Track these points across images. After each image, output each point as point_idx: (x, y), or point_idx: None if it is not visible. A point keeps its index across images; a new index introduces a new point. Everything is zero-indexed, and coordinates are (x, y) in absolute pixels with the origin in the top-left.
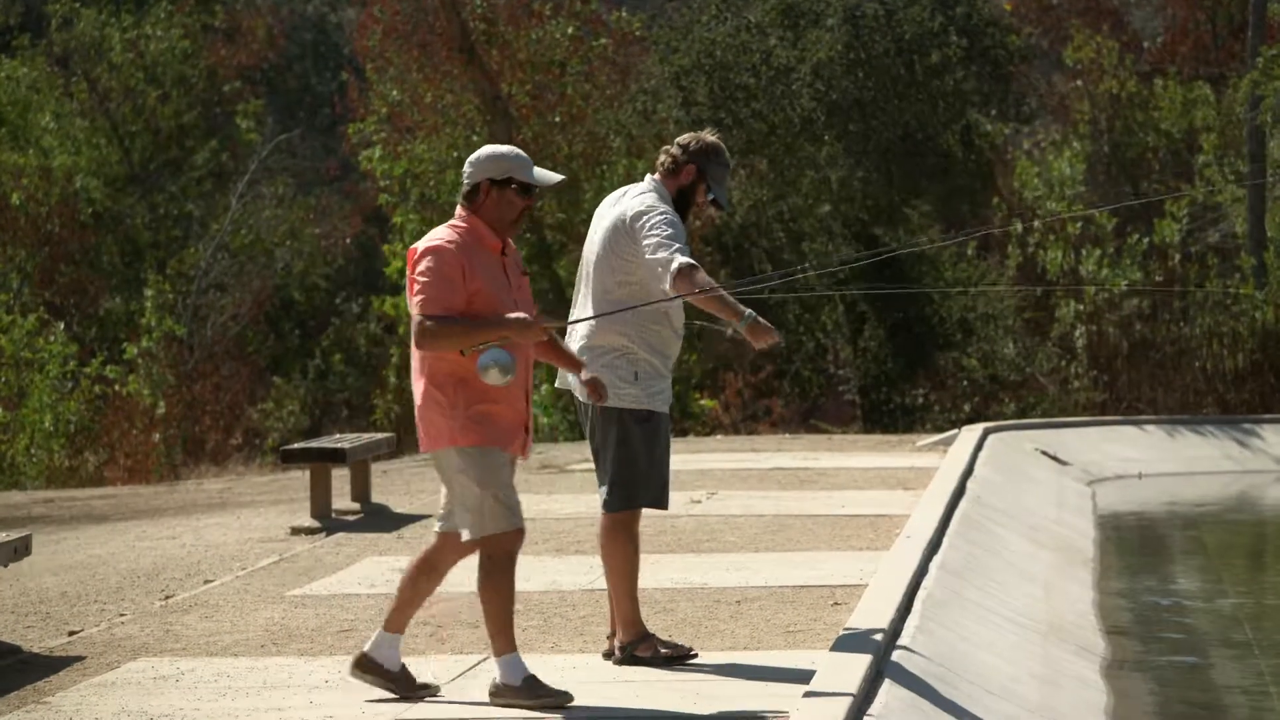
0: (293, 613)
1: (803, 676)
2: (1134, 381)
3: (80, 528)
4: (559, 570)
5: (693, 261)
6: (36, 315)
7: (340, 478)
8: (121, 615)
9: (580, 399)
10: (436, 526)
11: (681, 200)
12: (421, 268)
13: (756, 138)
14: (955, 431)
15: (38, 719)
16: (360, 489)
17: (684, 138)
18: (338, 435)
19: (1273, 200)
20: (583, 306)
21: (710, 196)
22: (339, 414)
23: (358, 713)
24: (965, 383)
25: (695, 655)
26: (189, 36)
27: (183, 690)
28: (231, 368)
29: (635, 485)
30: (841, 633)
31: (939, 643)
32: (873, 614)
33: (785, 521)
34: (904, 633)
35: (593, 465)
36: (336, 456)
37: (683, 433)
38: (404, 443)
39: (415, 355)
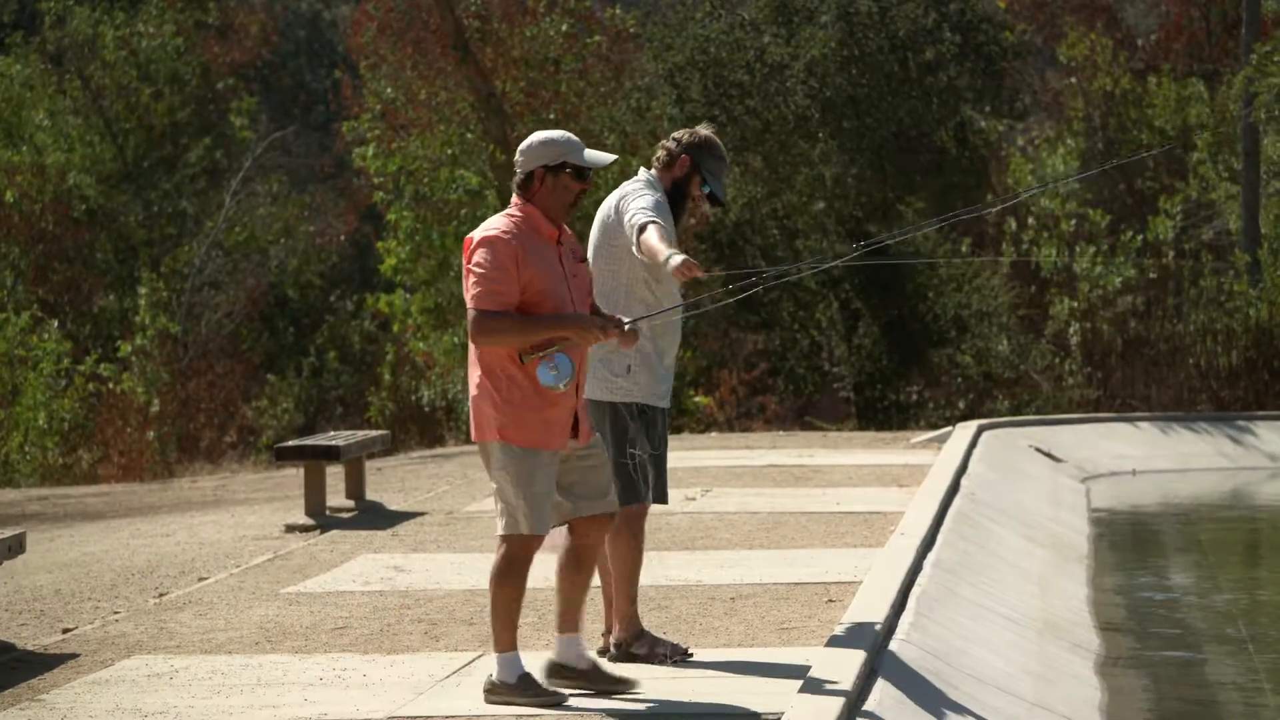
0: (287, 610)
1: (797, 673)
2: (1128, 378)
3: (74, 525)
4: (553, 567)
5: (655, 220)
6: (30, 313)
7: (335, 475)
8: (116, 613)
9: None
10: (553, 523)
11: (676, 193)
12: (476, 259)
13: (750, 135)
14: (949, 428)
15: (32, 716)
16: (355, 486)
17: (679, 132)
18: (332, 433)
19: (1267, 197)
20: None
21: (706, 190)
22: (333, 411)
23: (352, 710)
24: (960, 379)
25: (691, 655)
26: (182, 34)
27: (177, 688)
28: (226, 365)
29: (634, 480)
30: (836, 630)
31: (934, 639)
32: (867, 611)
33: (780, 519)
34: (898, 629)
35: None
36: (331, 454)
37: (677, 430)
38: (398, 440)
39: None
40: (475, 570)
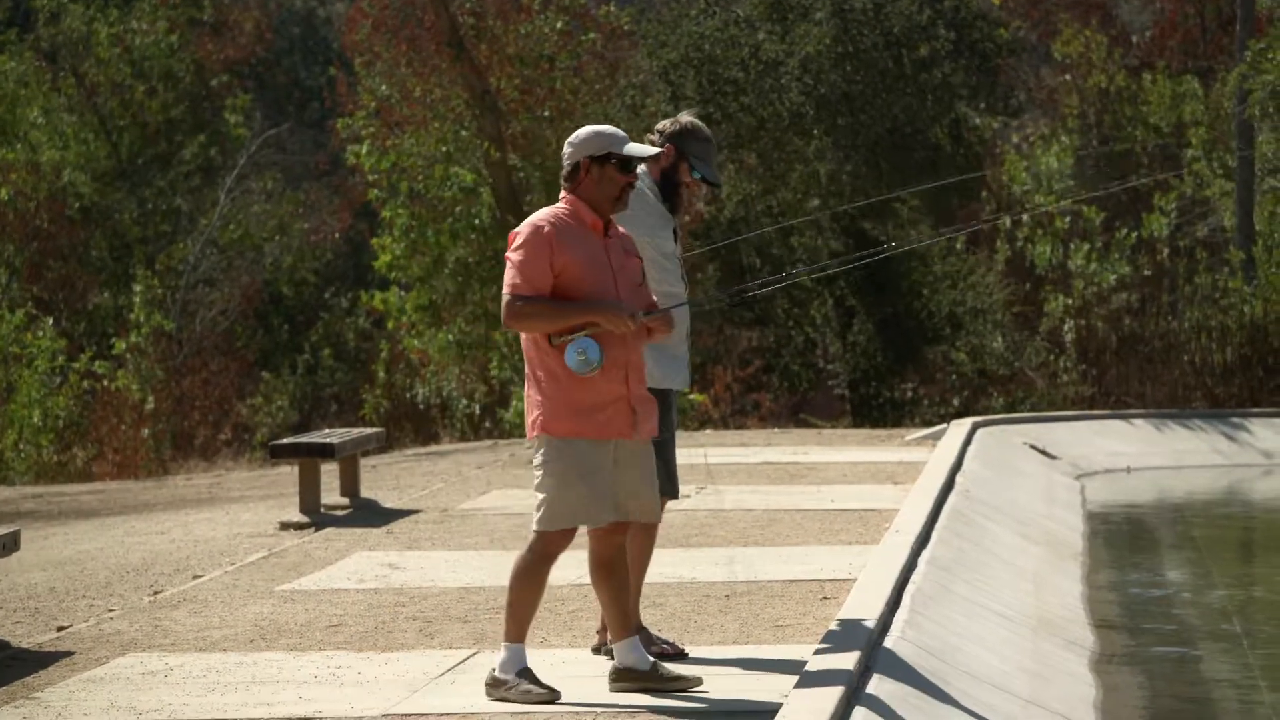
0: (281, 608)
1: (792, 670)
2: (1122, 375)
3: (69, 523)
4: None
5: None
6: (25, 310)
7: (329, 473)
8: (110, 611)
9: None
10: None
11: (667, 184)
12: (514, 246)
13: (745, 132)
14: (944, 426)
15: (26, 714)
16: (349, 484)
17: (662, 123)
18: (327, 430)
19: (1261, 194)
20: None
21: (696, 175)
22: (328, 409)
23: (347, 708)
24: (954, 377)
25: (686, 655)
26: (175, 31)
27: (171, 685)
28: (220, 363)
29: None
30: (831, 627)
31: (928, 637)
32: (862, 608)
33: (774, 516)
34: (893, 627)
35: None
36: (325, 451)
37: None
38: (393, 438)
39: (524, 337)
40: (470, 568)
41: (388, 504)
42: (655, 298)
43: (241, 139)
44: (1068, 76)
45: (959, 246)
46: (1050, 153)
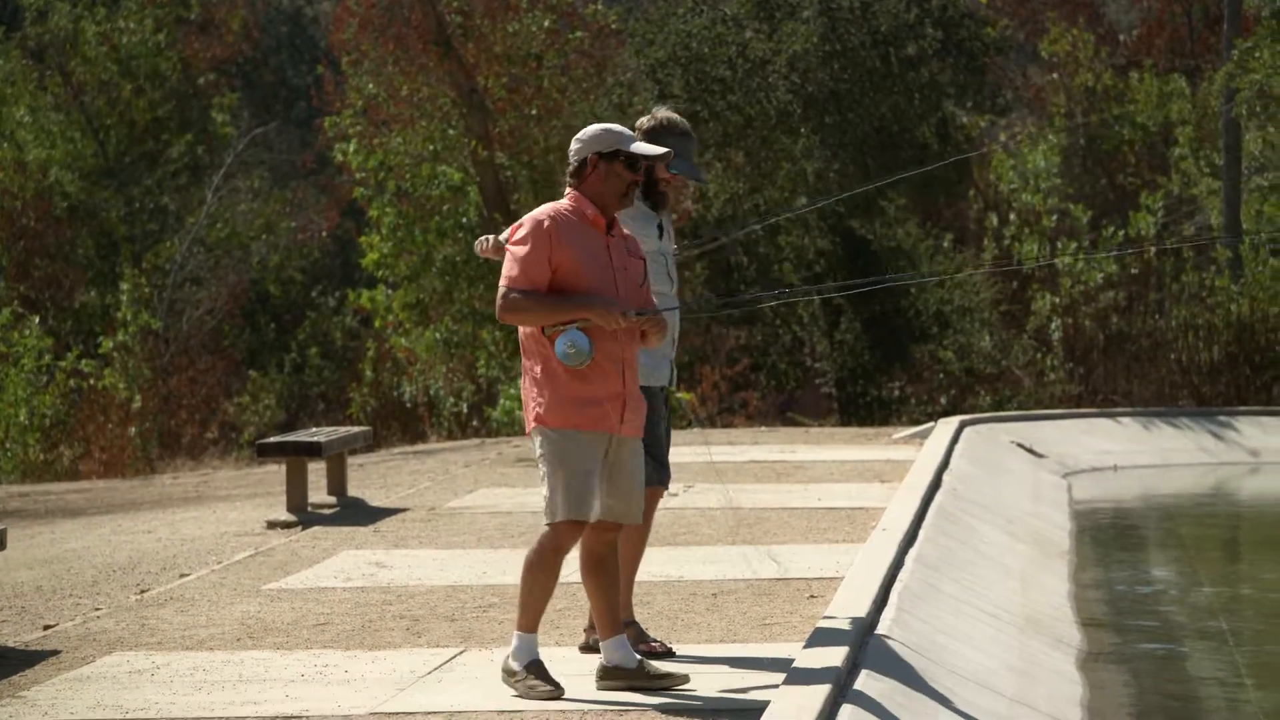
0: (269, 607)
1: (779, 668)
2: (1109, 374)
3: (55, 522)
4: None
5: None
6: (11, 309)
7: (316, 471)
8: (97, 609)
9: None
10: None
11: (646, 181)
12: (514, 239)
13: (733, 130)
14: (931, 424)
15: (12, 713)
16: (336, 483)
17: (641, 119)
18: (314, 429)
19: (1248, 192)
20: None
21: (674, 170)
22: (315, 408)
23: (333, 707)
24: (941, 375)
25: (673, 654)
26: (162, 29)
27: (158, 684)
28: (207, 361)
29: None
30: (818, 625)
31: (915, 635)
32: (849, 607)
33: (762, 514)
34: (880, 625)
35: None
36: (313, 450)
37: None
38: (380, 436)
39: (523, 332)
40: (457, 566)
41: (375, 503)
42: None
43: (228, 138)
44: (1055, 75)
45: (946, 245)
46: (1037, 151)
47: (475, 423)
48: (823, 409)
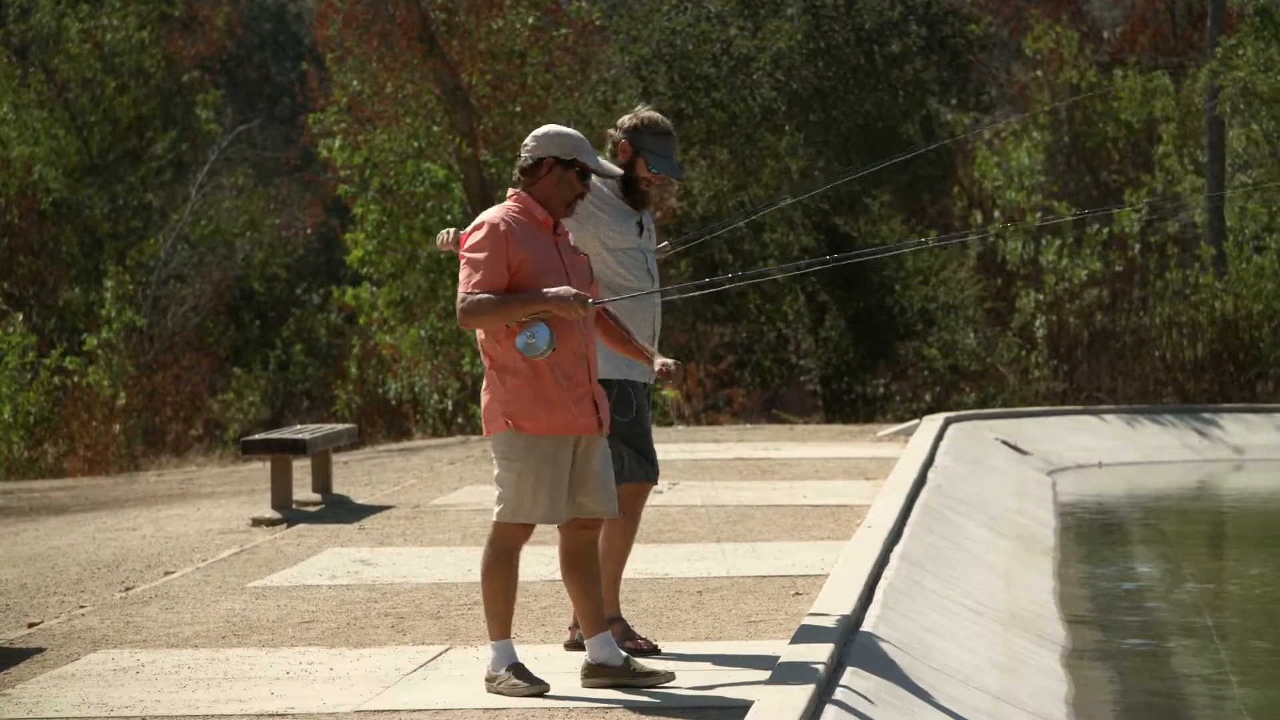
0: (253, 604)
1: (765, 665)
2: (1094, 371)
3: (40, 519)
4: (522, 561)
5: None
6: None
7: (301, 469)
8: (81, 607)
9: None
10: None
11: (625, 179)
12: (466, 246)
13: (717, 127)
14: (916, 421)
15: None
16: (321, 480)
17: (623, 118)
18: (298, 426)
19: (1232, 190)
20: None
21: (654, 170)
22: (300, 405)
23: (319, 704)
24: (926, 372)
25: (659, 651)
26: (146, 26)
27: (143, 682)
28: (192, 359)
29: (618, 460)
30: (803, 622)
31: (900, 632)
32: (834, 604)
33: (746, 512)
34: (865, 622)
35: None
36: (297, 448)
37: None
38: (365, 434)
39: (482, 336)
40: (442, 564)
41: (360, 500)
42: (617, 293)
43: (213, 134)
44: (1039, 73)
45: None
46: (1021, 148)
47: (460, 420)
48: (808, 406)
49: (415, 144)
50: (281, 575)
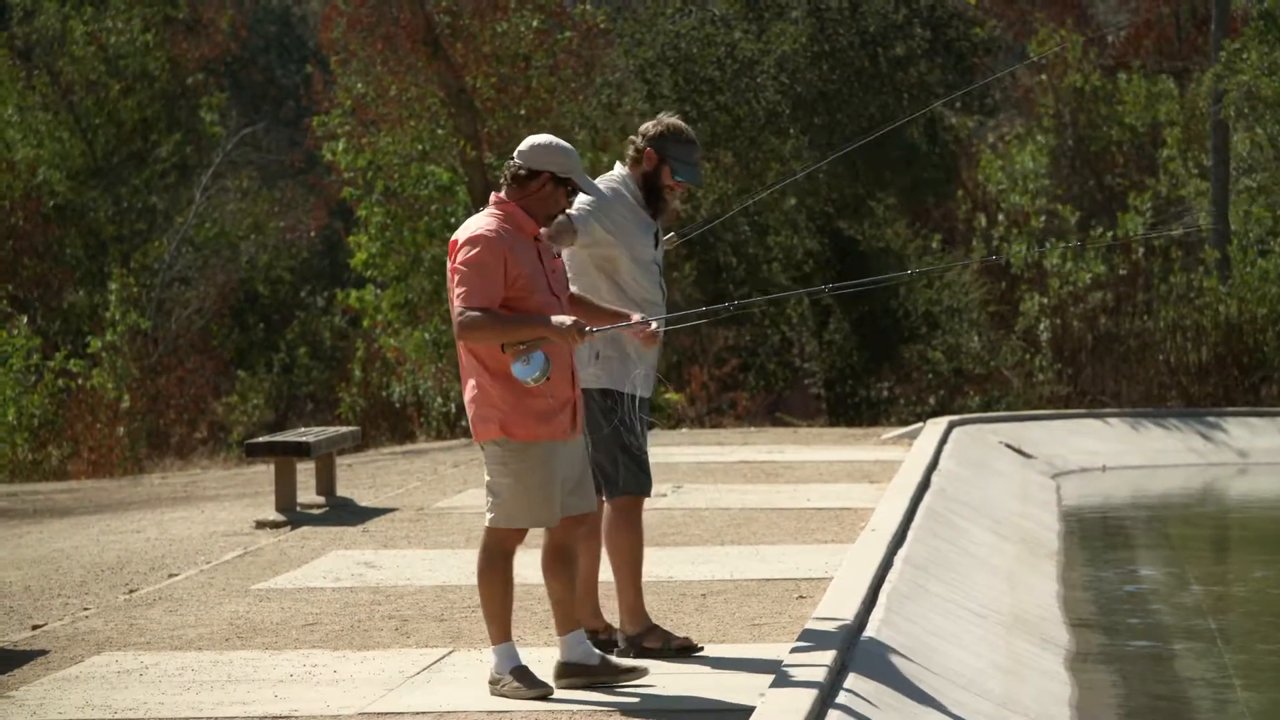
0: (257, 606)
1: (768, 669)
2: (1098, 374)
3: (44, 521)
4: (523, 563)
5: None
6: None
7: (305, 471)
8: (85, 609)
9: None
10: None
11: (649, 188)
12: (463, 257)
13: (721, 131)
14: (920, 425)
15: (1, 713)
16: (325, 483)
17: (645, 124)
18: (303, 429)
19: (1236, 193)
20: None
21: (679, 178)
22: (304, 407)
23: (322, 707)
24: (930, 376)
25: (701, 649)
26: (150, 29)
27: (147, 684)
28: (196, 361)
29: (614, 469)
30: (806, 625)
31: (904, 635)
32: (838, 607)
33: (750, 515)
34: (869, 626)
35: None
36: (301, 450)
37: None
38: (369, 436)
39: (461, 348)
40: (446, 566)
41: (364, 503)
42: (632, 307)
43: (217, 137)
44: (1043, 76)
45: (934, 246)
46: (1025, 152)
47: (464, 423)
48: (811, 409)
49: (419, 147)
50: (285, 578)
